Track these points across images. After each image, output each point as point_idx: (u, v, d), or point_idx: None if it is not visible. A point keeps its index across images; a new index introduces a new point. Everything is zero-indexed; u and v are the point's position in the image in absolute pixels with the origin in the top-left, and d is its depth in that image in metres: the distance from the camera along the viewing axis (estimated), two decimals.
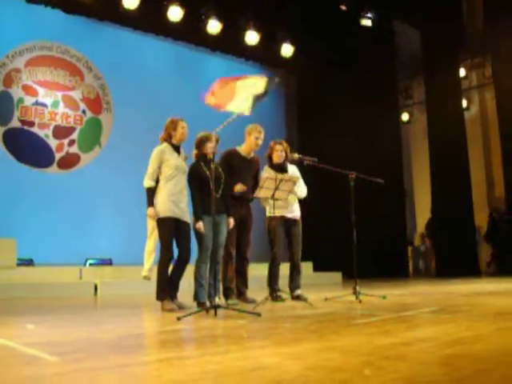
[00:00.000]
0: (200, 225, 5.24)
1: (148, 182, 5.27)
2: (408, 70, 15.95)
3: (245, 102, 6.81)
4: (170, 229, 5.22)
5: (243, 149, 6.14)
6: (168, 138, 5.42)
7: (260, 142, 6.09)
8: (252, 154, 6.19)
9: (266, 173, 6.03)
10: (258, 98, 6.17)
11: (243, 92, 6.12)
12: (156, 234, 7.77)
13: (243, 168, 6.02)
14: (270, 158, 6.21)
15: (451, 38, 12.90)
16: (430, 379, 2.09)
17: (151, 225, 7.93)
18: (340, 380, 2.07)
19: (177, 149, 5.41)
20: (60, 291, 8.07)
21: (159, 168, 5.29)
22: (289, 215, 6.15)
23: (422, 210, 16.31)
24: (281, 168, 6.10)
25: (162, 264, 5.17)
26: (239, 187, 5.83)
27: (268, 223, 6.05)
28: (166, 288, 5.20)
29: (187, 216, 5.37)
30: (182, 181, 5.33)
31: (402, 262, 13.75)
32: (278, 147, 6.15)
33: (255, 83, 6.12)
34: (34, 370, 2.45)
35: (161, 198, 5.24)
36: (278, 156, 6.12)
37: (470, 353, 2.59)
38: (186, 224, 5.34)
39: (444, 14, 12.60)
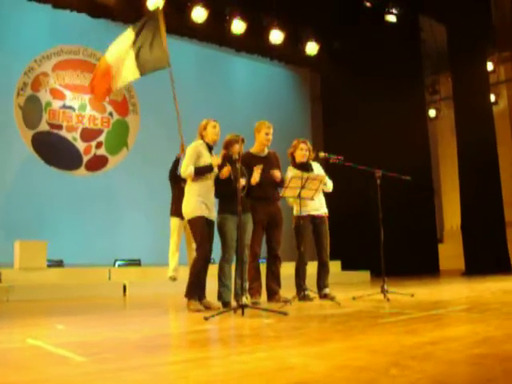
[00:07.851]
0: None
1: (188, 168, 5.21)
2: (434, 65, 15.78)
3: (129, 69, 7.13)
4: (203, 227, 5.20)
5: (255, 148, 6.07)
6: (201, 138, 5.46)
7: (270, 137, 5.99)
8: (266, 151, 6.07)
9: (291, 172, 5.99)
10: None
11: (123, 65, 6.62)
12: (177, 233, 7.87)
13: (263, 166, 5.96)
14: (292, 156, 6.19)
15: (478, 31, 12.66)
16: (457, 379, 2.07)
17: (173, 225, 8.02)
18: (366, 380, 2.06)
19: (210, 148, 5.44)
20: (89, 292, 8.16)
21: (197, 160, 5.27)
22: (316, 213, 6.11)
23: (450, 208, 16.12)
24: (304, 167, 6.06)
25: (197, 263, 5.17)
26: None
27: (295, 222, 6.01)
28: (197, 288, 5.20)
29: (214, 214, 5.40)
30: (210, 180, 5.35)
31: (431, 259, 13.62)
32: (302, 146, 6.13)
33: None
34: (62, 369, 2.49)
35: (190, 199, 5.26)
36: (302, 155, 6.10)
37: (498, 352, 2.55)
38: (212, 223, 5.36)
39: (470, 7, 12.37)
